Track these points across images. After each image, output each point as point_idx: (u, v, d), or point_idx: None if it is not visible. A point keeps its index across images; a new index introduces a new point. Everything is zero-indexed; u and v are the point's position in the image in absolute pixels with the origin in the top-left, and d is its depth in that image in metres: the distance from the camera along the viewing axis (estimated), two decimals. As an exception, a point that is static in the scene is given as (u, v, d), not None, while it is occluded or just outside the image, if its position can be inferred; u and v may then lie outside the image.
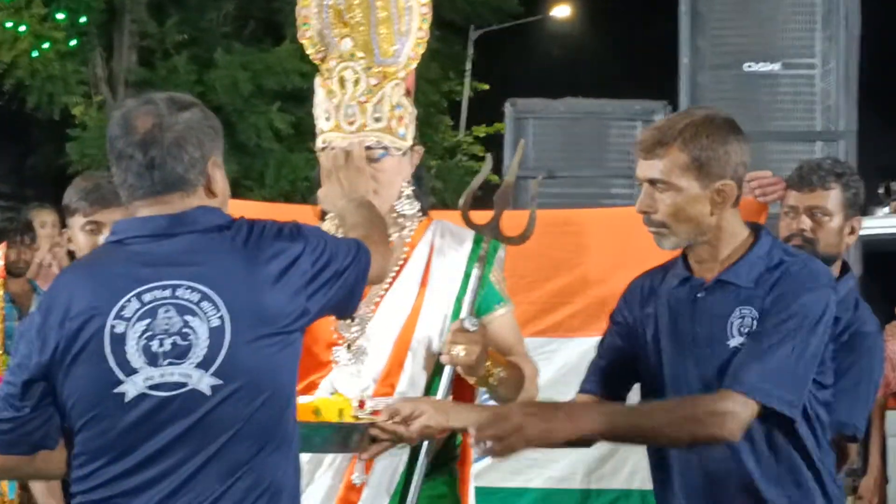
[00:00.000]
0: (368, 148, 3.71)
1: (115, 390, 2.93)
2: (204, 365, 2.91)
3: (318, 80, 3.81)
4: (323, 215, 3.89)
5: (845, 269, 4.37)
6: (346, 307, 3.22)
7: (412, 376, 3.72)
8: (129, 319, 2.94)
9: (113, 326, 2.94)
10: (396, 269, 3.76)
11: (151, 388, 2.93)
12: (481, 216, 3.69)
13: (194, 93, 17.88)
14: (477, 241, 3.77)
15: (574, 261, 4.61)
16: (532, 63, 27.42)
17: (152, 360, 2.92)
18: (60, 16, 17.18)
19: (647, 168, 3.34)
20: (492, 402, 3.87)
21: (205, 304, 2.92)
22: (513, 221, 3.74)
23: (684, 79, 6.18)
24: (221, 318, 2.92)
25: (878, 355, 4.26)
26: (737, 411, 3.16)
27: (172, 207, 3.02)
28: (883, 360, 4.35)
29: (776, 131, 6.16)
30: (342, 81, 3.74)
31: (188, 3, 18.81)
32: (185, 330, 2.92)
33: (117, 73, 18.51)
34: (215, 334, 2.92)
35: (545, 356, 4.46)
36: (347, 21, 3.83)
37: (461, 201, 3.67)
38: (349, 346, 3.71)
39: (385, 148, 3.73)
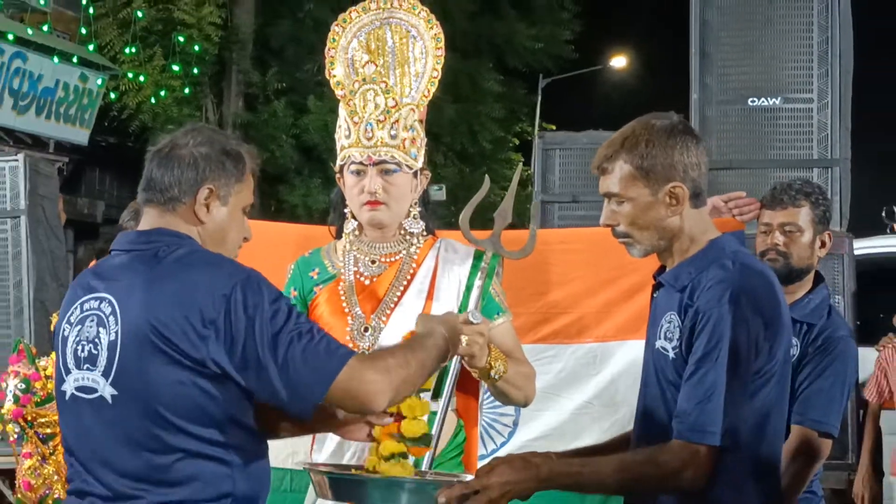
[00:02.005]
0: (383, 162, 3.61)
1: (62, 388, 2.86)
2: (105, 374, 2.77)
3: (341, 105, 3.72)
4: (339, 233, 3.77)
5: (819, 279, 4.15)
6: (283, 397, 2.75)
7: None
8: (71, 325, 2.86)
9: (63, 331, 2.88)
10: (406, 281, 3.64)
11: (78, 389, 2.82)
12: (481, 233, 3.52)
13: (291, 133, 18.20)
14: (478, 257, 3.64)
15: (570, 275, 4.43)
16: (594, 106, 27.39)
17: (78, 363, 2.83)
18: (176, 67, 17.33)
19: (602, 184, 3.07)
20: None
21: (111, 319, 2.78)
22: (515, 239, 3.58)
23: (694, 113, 5.99)
24: (117, 332, 2.77)
25: (850, 357, 4.03)
26: (685, 462, 2.85)
27: (151, 221, 2.91)
28: (857, 362, 4.11)
29: (777, 159, 5.95)
30: (364, 101, 3.65)
31: (286, 57, 18.90)
32: (95, 339, 2.79)
33: (226, 116, 18.61)
34: (111, 347, 2.77)
35: (545, 361, 4.31)
36: (373, 52, 3.75)
37: (461, 217, 3.48)
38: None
39: (398, 164, 3.62)
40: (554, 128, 25.38)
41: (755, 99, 5.99)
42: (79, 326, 2.83)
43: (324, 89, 18.52)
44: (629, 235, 3.06)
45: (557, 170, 6.52)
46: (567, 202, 6.36)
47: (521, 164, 4.20)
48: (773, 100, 5.97)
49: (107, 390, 2.76)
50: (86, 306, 2.84)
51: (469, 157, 20.20)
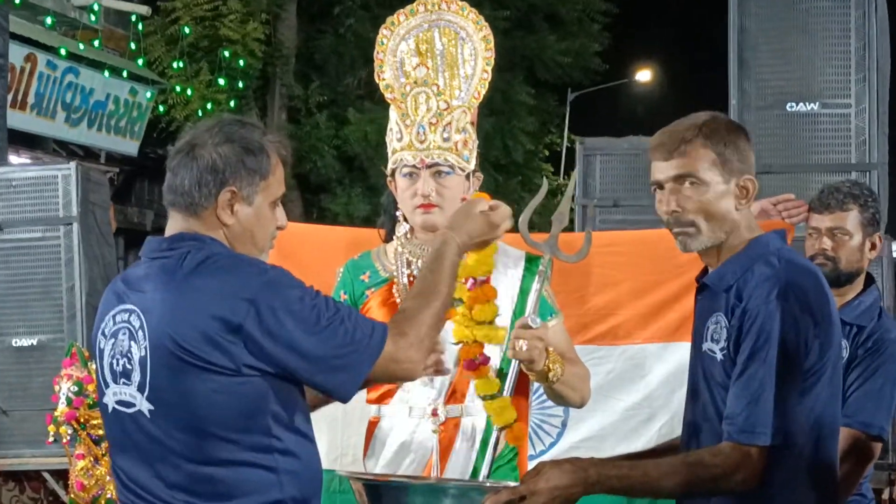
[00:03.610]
0: (437, 164, 3.43)
1: (103, 400, 2.67)
2: (140, 389, 2.58)
3: (392, 108, 3.54)
4: (389, 236, 3.60)
5: (869, 281, 3.95)
6: (331, 386, 2.64)
7: None
8: (106, 336, 2.66)
9: (99, 342, 2.68)
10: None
11: (118, 403, 2.63)
12: (538, 236, 3.37)
13: (332, 145, 18.15)
14: (529, 260, 3.48)
15: (619, 277, 4.25)
16: (620, 118, 27.31)
17: (115, 377, 2.63)
18: (222, 82, 17.32)
19: (671, 168, 2.81)
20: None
21: (139, 333, 2.59)
22: (568, 242, 3.44)
23: (733, 118, 5.83)
24: (146, 347, 2.57)
25: None
26: (737, 464, 2.69)
27: (175, 226, 2.70)
28: None
29: (816, 164, 5.83)
30: (416, 104, 3.48)
31: (328, 71, 18.88)
32: (128, 353, 2.60)
33: (270, 128, 18.47)
34: (142, 362, 2.57)
35: (594, 362, 4.13)
36: (422, 54, 3.58)
37: (520, 220, 3.31)
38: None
39: (451, 166, 3.44)
40: (581, 140, 25.26)
41: (793, 104, 5.86)
42: (112, 339, 2.64)
43: (364, 102, 18.52)
44: (693, 224, 2.82)
45: (598, 175, 6.38)
46: (608, 206, 6.23)
47: (575, 170, 4.07)
48: (812, 105, 5.84)
49: (144, 405, 2.58)
50: (117, 318, 2.65)
51: (503, 168, 20.15)
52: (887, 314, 3.99)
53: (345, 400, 2.69)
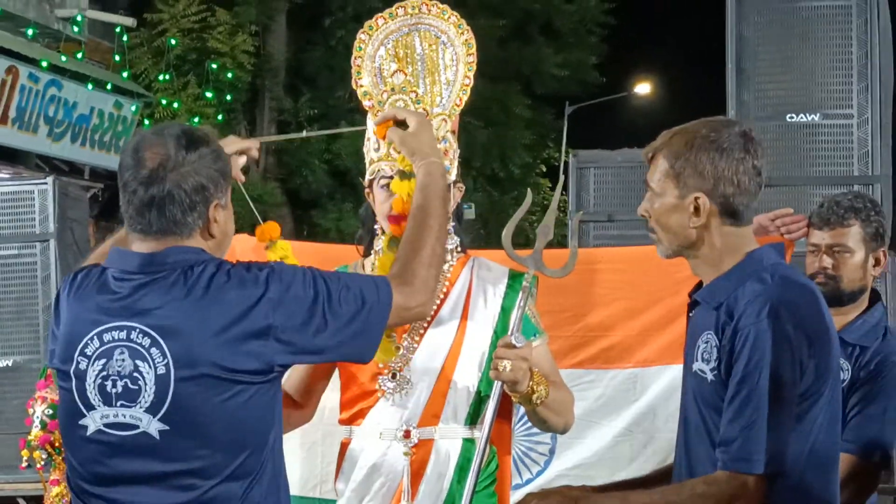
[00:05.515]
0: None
1: (80, 422, 2.60)
2: (152, 410, 2.55)
3: (369, 117, 3.43)
4: (367, 251, 3.51)
5: (875, 298, 3.82)
6: (354, 353, 2.78)
7: (455, 407, 3.34)
8: (89, 357, 2.60)
9: (78, 363, 2.61)
10: (439, 300, 3.35)
11: (107, 426, 2.58)
12: (522, 252, 3.28)
13: (324, 159, 18.12)
14: (513, 277, 3.39)
15: (611, 296, 4.18)
16: (620, 131, 27.32)
17: (107, 399, 2.58)
18: (209, 95, 17.30)
19: (648, 172, 2.88)
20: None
21: (154, 350, 2.55)
22: (555, 257, 3.34)
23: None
24: (167, 365, 2.54)
25: None
26: (733, 494, 2.63)
27: (153, 247, 2.64)
28: None
29: (817, 176, 5.77)
30: None
31: (319, 83, 18.87)
32: (135, 374, 2.56)
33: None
34: (161, 381, 2.54)
35: (583, 386, 4.08)
36: (402, 60, 3.48)
37: (504, 234, 3.25)
38: (394, 376, 3.31)
39: None
40: (574, 153, 25.32)
41: (794, 115, 5.81)
42: (103, 359, 2.58)
43: (356, 115, 18.49)
44: (655, 232, 2.86)
45: (592, 188, 6.32)
46: (602, 221, 6.16)
47: (562, 179, 3.98)
48: (813, 116, 5.78)
49: (153, 426, 2.56)
50: (106, 337, 2.59)
51: (498, 182, 20.17)
52: (893, 334, 3.79)
53: (366, 361, 2.84)
